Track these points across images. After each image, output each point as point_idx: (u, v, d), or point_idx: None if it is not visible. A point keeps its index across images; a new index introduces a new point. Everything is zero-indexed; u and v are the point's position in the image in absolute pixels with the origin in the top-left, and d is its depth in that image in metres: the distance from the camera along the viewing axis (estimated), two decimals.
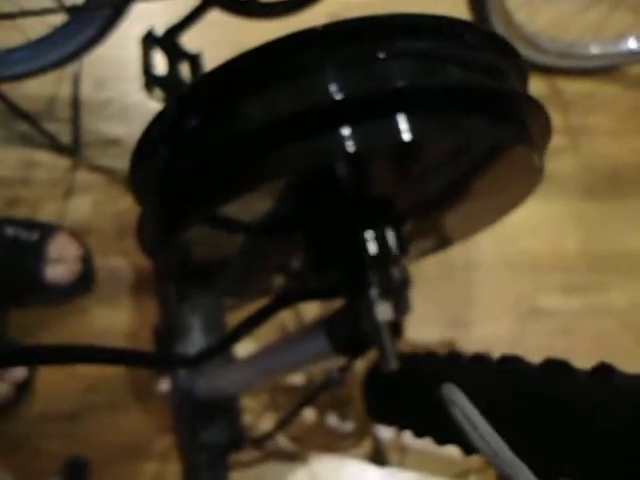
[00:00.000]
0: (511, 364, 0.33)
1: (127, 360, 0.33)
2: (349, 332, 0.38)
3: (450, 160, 0.34)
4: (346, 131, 0.27)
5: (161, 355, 0.44)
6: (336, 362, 0.42)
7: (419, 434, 0.41)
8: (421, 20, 0.28)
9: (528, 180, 0.38)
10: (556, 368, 0.29)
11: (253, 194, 0.29)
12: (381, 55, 0.28)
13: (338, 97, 0.27)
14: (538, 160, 0.34)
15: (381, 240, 0.36)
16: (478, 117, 0.28)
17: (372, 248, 0.36)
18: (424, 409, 0.41)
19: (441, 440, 0.37)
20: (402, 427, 0.47)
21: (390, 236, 0.37)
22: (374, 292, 0.36)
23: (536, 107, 0.31)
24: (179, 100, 0.32)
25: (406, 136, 0.27)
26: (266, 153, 0.28)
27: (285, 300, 0.38)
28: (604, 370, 0.27)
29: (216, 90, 0.30)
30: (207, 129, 0.30)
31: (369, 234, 0.36)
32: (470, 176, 0.37)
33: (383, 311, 0.36)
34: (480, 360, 0.34)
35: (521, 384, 0.31)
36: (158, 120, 0.33)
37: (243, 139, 0.28)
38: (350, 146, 0.26)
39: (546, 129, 0.34)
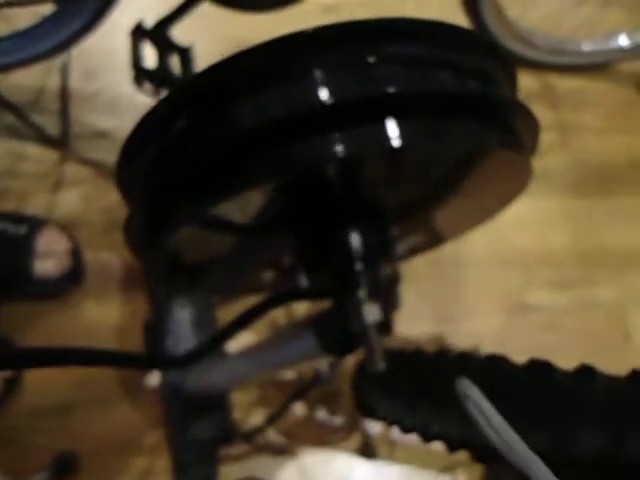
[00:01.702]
0: (496, 363, 0.33)
1: (115, 361, 0.33)
2: (337, 332, 0.38)
3: (438, 162, 0.34)
4: (335, 136, 0.27)
5: (150, 356, 0.44)
6: (325, 361, 0.42)
7: (406, 430, 0.42)
8: (411, 25, 0.28)
9: (517, 182, 0.38)
10: (540, 368, 0.30)
11: (241, 197, 0.29)
12: (371, 60, 0.28)
13: (327, 102, 0.26)
14: (526, 163, 0.35)
15: (369, 241, 0.36)
16: (468, 123, 0.28)
17: (360, 249, 0.36)
18: (411, 405, 0.41)
19: (427, 437, 0.38)
20: (391, 423, 0.47)
21: (378, 237, 0.37)
22: (362, 293, 0.36)
23: (524, 112, 0.31)
24: (167, 101, 0.31)
25: (396, 142, 0.27)
26: (254, 157, 0.28)
27: (274, 301, 0.38)
28: (585, 371, 0.28)
29: (205, 93, 0.29)
30: (195, 131, 0.30)
31: (357, 235, 0.36)
32: (459, 178, 0.37)
33: (371, 312, 0.36)
34: (466, 358, 0.34)
35: (504, 384, 0.31)
36: (146, 121, 0.32)
37: (230, 143, 0.28)
38: (339, 152, 0.26)
39: (534, 133, 0.34)
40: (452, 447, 0.35)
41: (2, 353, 0.29)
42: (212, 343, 0.37)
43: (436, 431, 0.36)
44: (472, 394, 0.31)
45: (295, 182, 0.31)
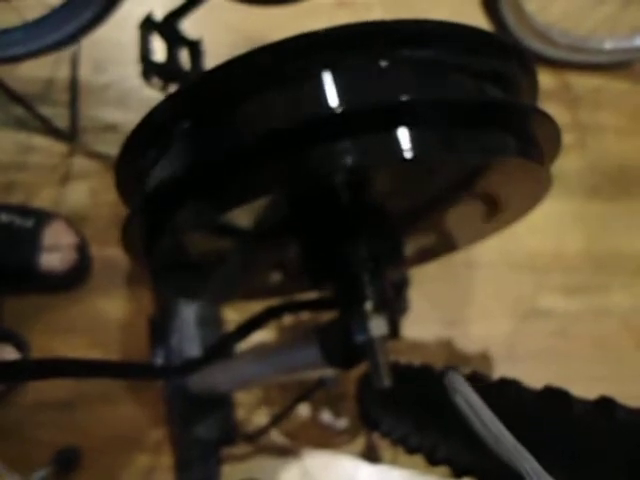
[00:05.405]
0: (508, 388, 0.32)
1: (112, 373, 0.33)
2: (342, 345, 0.37)
3: (453, 171, 0.32)
4: (344, 146, 0.25)
5: (146, 366, 0.43)
6: (330, 371, 0.41)
7: (410, 450, 0.41)
8: (427, 27, 0.27)
9: (535, 191, 0.36)
10: (555, 398, 0.29)
11: (244, 207, 0.28)
12: (384, 64, 0.26)
13: (337, 110, 0.25)
14: (546, 173, 0.33)
15: (376, 251, 0.35)
16: (486, 133, 0.27)
17: (367, 260, 0.34)
18: (417, 426, 0.40)
19: (432, 460, 0.37)
20: (394, 441, 0.46)
21: (386, 247, 0.35)
22: (369, 306, 0.35)
23: (546, 120, 0.30)
24: (171, 101, 0.30)
25: (408, 154, 0.25)
26: (260, 164, 0.27)
27: (275, 311, 0.37)
28: (605, 404, 0.26)
29: (208, 97, 0.28)
30: (200, 134, 0.29)
31: (364, 245, 0.34)
32: (473, 186, 0.35)
33: (377, 326, 0.34)
34: (476, 380, 0.33)
35: (517, 412, 0.30)
36: (149, 120, 0.31)
37: (236, 150, 0.27)
38: (348, 163, 0.25)
39: (555, 142, 0.32)
40: (458, 472, 0.34)
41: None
42: (211, 353, 0.36)
43: (443, 455, 0.35)
44: (460, 387, 0.30)
45: (301, 193, 0.30)
